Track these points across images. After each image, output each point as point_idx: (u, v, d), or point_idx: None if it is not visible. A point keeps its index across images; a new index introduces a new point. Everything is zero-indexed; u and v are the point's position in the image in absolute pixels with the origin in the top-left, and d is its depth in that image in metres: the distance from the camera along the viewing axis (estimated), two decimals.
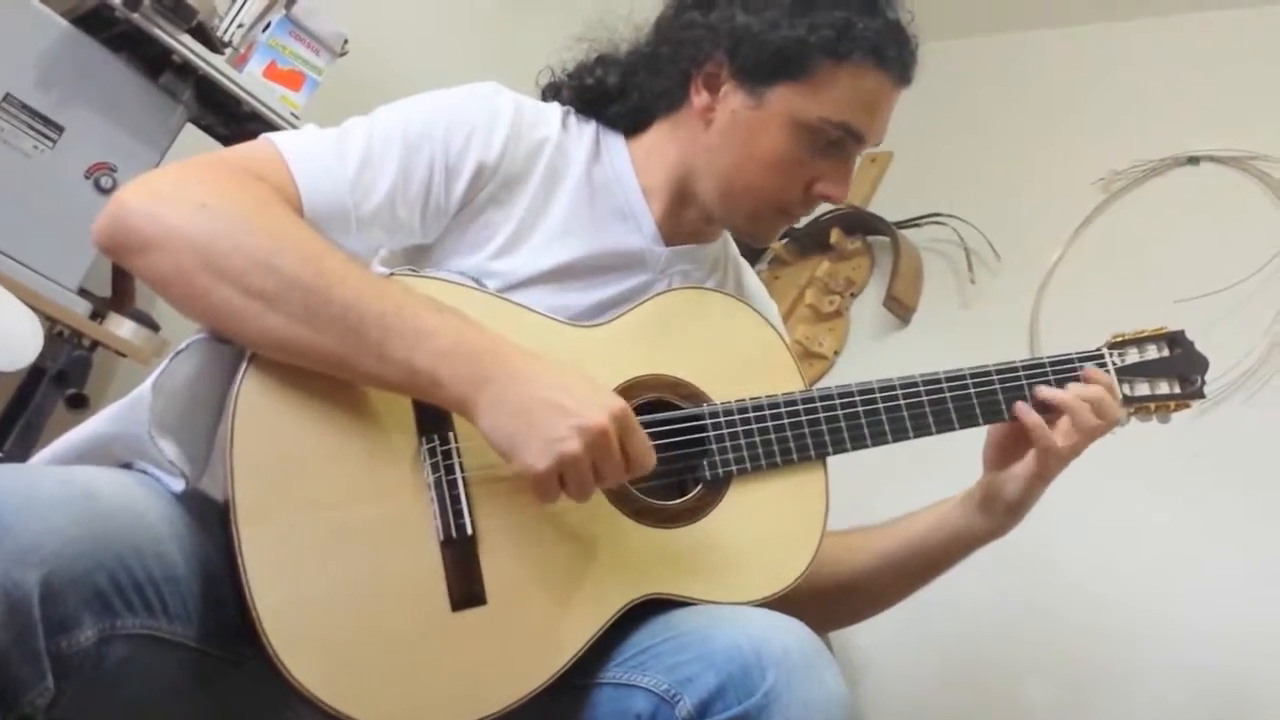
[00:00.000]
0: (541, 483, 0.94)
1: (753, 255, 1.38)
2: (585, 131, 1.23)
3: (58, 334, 1.60)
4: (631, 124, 1.24)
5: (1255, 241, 2.00)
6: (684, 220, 1.23)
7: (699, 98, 1.18)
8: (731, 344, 1.15)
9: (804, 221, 1.24)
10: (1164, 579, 1.88)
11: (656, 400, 1.10)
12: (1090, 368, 1.20)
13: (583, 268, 1.16)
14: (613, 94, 1.24)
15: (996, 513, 1.19)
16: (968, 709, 2.03)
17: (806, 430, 1.12)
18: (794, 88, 1.13)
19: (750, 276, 1.37)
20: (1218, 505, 1.88)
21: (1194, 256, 2.06)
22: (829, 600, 1.20)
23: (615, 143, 1.24)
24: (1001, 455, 1.20)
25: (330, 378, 0.96)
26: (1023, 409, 1.16)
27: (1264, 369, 1.91)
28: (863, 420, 1.13)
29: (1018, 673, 1.99)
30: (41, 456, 1.00)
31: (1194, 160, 2.18)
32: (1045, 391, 1.17)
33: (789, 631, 0.93)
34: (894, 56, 1.14)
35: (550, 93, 1.29)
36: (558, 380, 0.95)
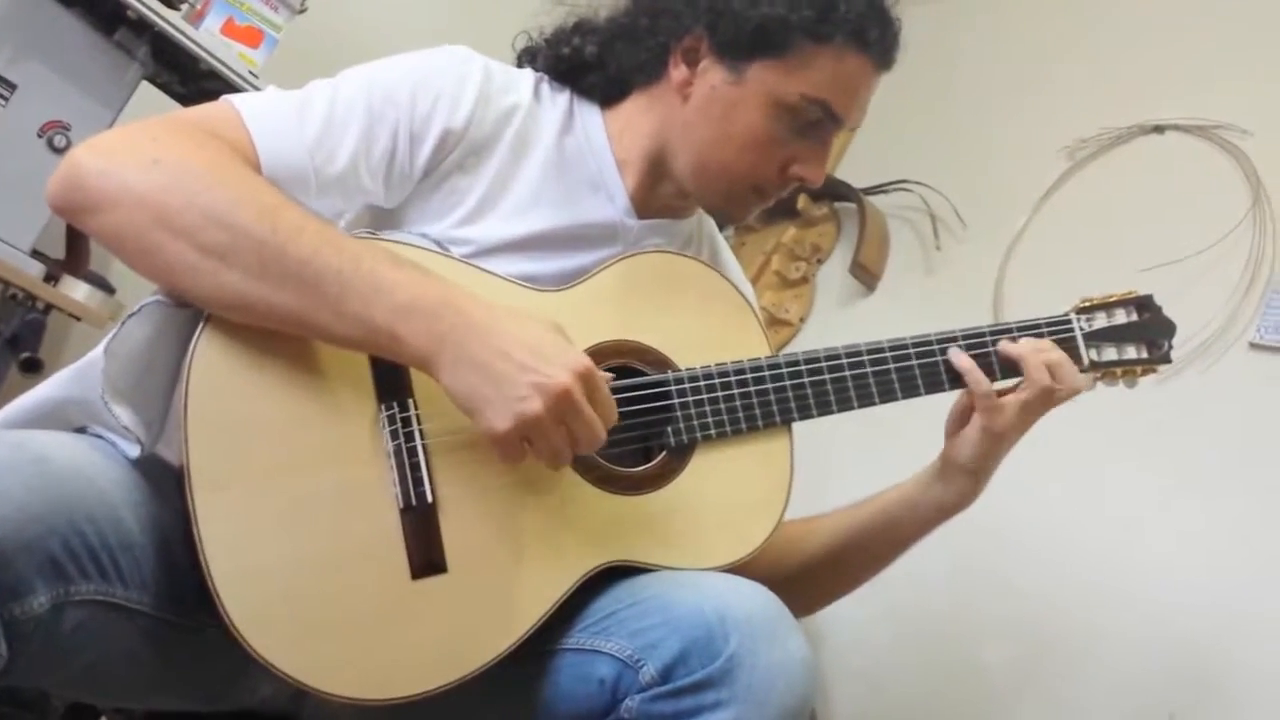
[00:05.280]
0: (503, 443, 0.92)
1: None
2: (558, 100, 1.21)
3: (10, 297, 1.57)
4: (607, 95, 1.22)
5: (1218, 211, 2.01)
6: (658, 194, 1.21)
7: (677, 71, 1.16)
8: (699, 310, 1.14)
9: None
10: (1120, 545, 1.90)
11: (622, 366, 1.08)
12: (1049, 341, 1.18)
13: (552, 238, 1.14)
14: (589, 63, 1.21)
15: (955, 479, 1.18)
16: (928, 673, 2.06)
17: (772, 396, 1.11)
18: (774, 65, 1.12)
19: (726, 253, 1.35)
20: (1174, 474, 1.90)
21: (1158, 225, 2.07)
22: (799, 584, 1.19)
23: (589, 113, 1.21)
24: (959, 421, 1.19)
25: (288, 342, 0.94)
26: (955, 354, 1.15)
27: (1224, 337, 1.92)
28: (829, 386, 1.13)
29: (977, 638, 2.01)
30: None
31: (1159, 129, 2.18)
32: (1004, 346, 1.16)
33: (752, 596, 0.93)
34: (876, 40, 1.13)
35: (526, 58, 1.26)
36: (520, 334, 0.92)
